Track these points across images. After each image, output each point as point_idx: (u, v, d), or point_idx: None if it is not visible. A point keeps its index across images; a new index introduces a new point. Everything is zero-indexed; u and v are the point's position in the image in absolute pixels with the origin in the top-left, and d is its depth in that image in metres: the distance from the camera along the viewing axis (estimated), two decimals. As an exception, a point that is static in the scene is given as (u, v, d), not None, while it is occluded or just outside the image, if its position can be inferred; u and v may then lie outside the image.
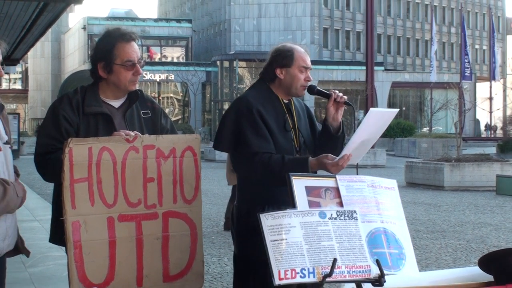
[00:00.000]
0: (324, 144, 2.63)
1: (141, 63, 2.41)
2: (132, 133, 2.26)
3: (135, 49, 2.39)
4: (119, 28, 2.44)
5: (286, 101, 2.64)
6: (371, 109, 2.43)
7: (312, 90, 2.65)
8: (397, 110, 2.69)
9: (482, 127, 37.87)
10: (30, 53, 27.22)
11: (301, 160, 2.46)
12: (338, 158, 2.39)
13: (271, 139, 2.51)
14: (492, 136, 35.00)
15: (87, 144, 2.15)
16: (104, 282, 2.16)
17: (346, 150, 2.40)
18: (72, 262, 2.11)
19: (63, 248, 2.23)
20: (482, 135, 38.71)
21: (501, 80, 38.23)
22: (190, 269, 2.32)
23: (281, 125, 2.57)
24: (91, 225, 2.15)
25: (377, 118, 2.48)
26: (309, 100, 29.36)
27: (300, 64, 2.58)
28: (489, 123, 38.25)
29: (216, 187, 13.13)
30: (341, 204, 2.14)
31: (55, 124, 2.33)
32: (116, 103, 2.43)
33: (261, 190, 2.47)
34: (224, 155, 24.13)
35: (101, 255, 2.16)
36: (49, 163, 2.28)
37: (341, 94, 2.60)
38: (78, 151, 2.13)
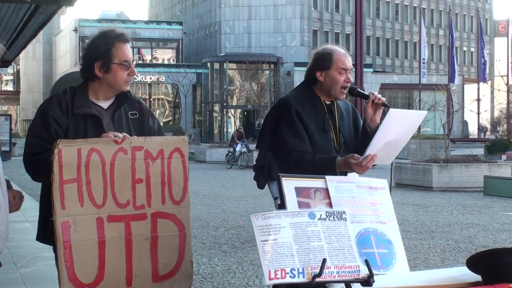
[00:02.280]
0: (364, 145, 2.64)
1: (133, 64, 2.44)
2: (121, 135, 2.27)
3: (130, 50, 2.43)
4: (114, 29, 2.46)
5: (328, 102, 2.69)
6: (391, 109, 2.46)
7: (352, 91, 2.69)
8: (425, 112, 2.73)
9: (475, 129, 38.18)
10: (21, 55, 27.07)
11: (329, 159, 2.52)
12: (362, 158, 2.42)
13: (308, 139, 2.57)
14: (482, 137, 35.29)
15: (76, 145, 2.16)
16: (94, 282, 2.16)
17: (370, 151, 2.42)
18: (62, 262, 2.11)
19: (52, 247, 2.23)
20: (474, 137, 39.00)
21: (489, 82, 38.60)
22: (179, 269, 2.33)
23: (321, 125, 2.63)
24: (80, 225, 2.15)
25: (400, 119, 2.51)
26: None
27: (338, 66, 2.63)
28: (482, 125, 38.58)
29: (207, 188, 13.13)
30: (330, 205, 2.16)
31: (44, 124, 2.34)
32: (105, 104, 2.43)
33: None
34: (214, 156, 24.11)
35: (90, 255, 2.17)
36: (39, 164, 2.29)
37: (379, 96, 2.63)
38: (67, 152, 2.14)
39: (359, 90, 2.70)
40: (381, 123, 2.62)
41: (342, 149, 2.66)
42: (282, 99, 2.72)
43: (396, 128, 2.47)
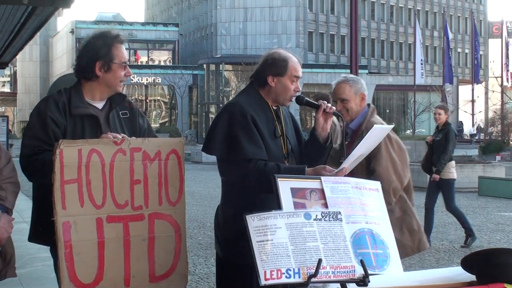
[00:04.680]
0: (311, 153, 2.63)
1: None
2: (120, 136, 2.29)
3: (125, 51, 2.47)
4: (110, 30, 2.49)
5: (275, 108, 2.65)
6: (375, 126, 2.48)
7: (300, 100, 2.65)
8: (391, 126, 2.77)
9: (474, 130, 38.35)
10: (18, 57, 27.03)
11: (298, 169, 2.45)
12: (337, 171, 2.40)
13: (264, 146, 2.51)
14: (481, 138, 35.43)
15: (77, 146, 2.18)
16: (94, 282, 2.18)
17: (345, 164, 2.41)
18: (63, 262, 2.12)
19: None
20: (475, 138, 39.17)
21: (483, 83, 38.77)
22: (174, 269, 2.35)
23: (271, 131, 2.57)
24: (81, 225, 2.17)
25: (378, 134, 2.53)
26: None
27: (292, 74, 2.59)
28: (480, 125, 38.72)
29: (203, 188, 13.13)
30: (326, 205, 2.17)
31: (43, 126, 2.34)
32: (100, 105, 2.45)
33: (248, 195, 2.46)
34: (210, 157, 24.10)
35: (90, 255, 2.18)
36: (36, 164, 2.29)
37: (330, 105, 2.60)
38: (68, 153, 2.15)
39: (308, 99, 2.66)
40: (330, 134, 2.61)
41: (290, 156, 2.60)
42: (234, 103, 2.61)
43: (371, 142, 2.50)
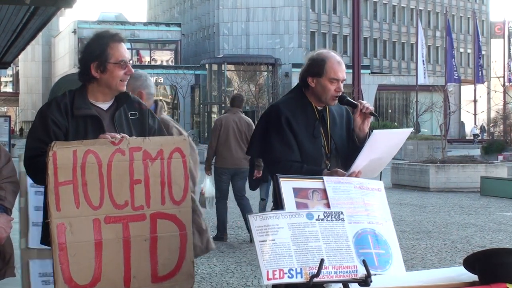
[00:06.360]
0: (353, 154, 2.61)
1: (130, 63, 2.46)
2: (118, 136, 2.27)
3: (125, 49, 2.45)
4: (108, 30, 2.48)
5: (320, 108, 2.65)
6: (374, 131, 2.45)
7: (342, 100, 2.65)
8: (410, 130, 2.71)
9: (477, 130, 38.31)
10: (21, 57, 27.08)
11: (315, 171, 2.48)
12: (346, 174, 2.42)
13: (297, 147, 2.54)
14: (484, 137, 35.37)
15: (72, 147, 2.17)
16: (91, 283, 2.16)
17: (354, 168, 2.41)
18: (57, 264, 2.11)
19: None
20: (469, 138, 39.08)
21: (485, 83, 38.68)
22: (180, 269, 2.33)
23: (310, 132, 2.59)
24: (76, 227, 2.15)
25: (384, 139, 2.50)
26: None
27: (330, 76, 2.58)
28: (484, 125, 38.71)
29: (204, 190, 13.11)
30: (328, 205, 2.17)
31: (44, 127, 2.34)
32: (105, 105, 2.44)
33: None
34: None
35: (87, 256, 2.17)
36: (39, 166, 2.28)
37: (368, 105, 2.60)
38: (62, 154, 2.14)
39: (349, 98, 2.66)
40: (368, 134, 2.58)
41: (333, 156, 2.62)
42: (273, 105, 2.69)
43: (381, 147, 2.48)
